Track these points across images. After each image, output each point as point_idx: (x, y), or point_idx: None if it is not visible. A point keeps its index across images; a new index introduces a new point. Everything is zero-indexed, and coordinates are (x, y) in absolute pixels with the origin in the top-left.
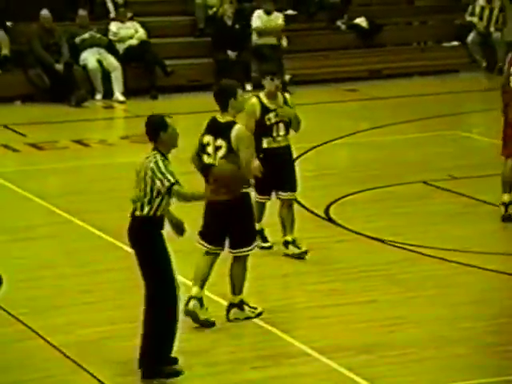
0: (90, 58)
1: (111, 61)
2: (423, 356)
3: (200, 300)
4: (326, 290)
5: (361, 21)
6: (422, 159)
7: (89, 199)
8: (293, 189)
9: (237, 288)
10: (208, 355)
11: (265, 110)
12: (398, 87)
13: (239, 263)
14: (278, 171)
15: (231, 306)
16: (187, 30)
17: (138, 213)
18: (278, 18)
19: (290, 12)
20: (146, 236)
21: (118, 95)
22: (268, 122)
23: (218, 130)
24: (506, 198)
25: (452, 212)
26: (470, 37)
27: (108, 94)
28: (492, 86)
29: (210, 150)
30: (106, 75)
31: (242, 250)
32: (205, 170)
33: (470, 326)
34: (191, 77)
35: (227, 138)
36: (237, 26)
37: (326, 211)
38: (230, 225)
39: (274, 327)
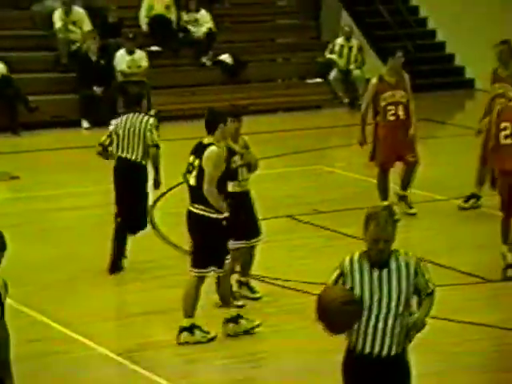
0: None
1: None
2: None
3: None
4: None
5: (225, 57)
6: (287, 194)
7: None
8: (260, 231)
9: (183, 310)
10: None
11: (230, 152)
12: (264, 123)
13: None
14: (247, 216)
15: (182, 329)
16: (50, 65)
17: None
18: (141, 59)
19: (154, 48)
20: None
21: None
22: (234, 165)
23: (198, 150)
24: None
25: (316, 245)
26: (332, 74)
27: None
28: (354, 121)
29: (190, 168)
30: None
31: (193, 269)
32: (189, 189)
33: (334, 359)
34: (55, 113)
35: (200, 158)
36: (102, 62)
37: None
38: None
39: (137, 365)
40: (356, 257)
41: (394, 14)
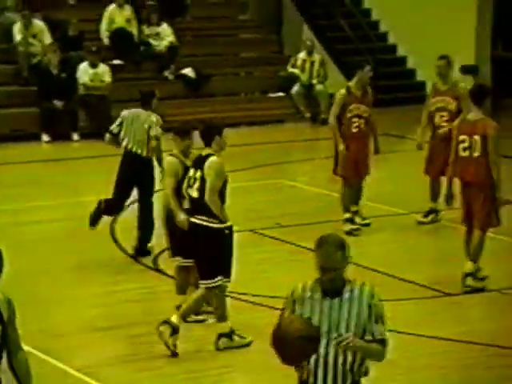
0: None
1: None
2: None
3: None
4: (152, 341)
5: (188, 71)
6: (249, 208)
7: None
8: None
9: (183, 309)
10: None
11: (186, 168)
12: (226, 137)
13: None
14: None
15: (167, 322)
16: (11, 78)
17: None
18: (105, 73)
19: (116, 62)
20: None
21: None
22: None
23: (197, 162)
24: None
25: (279, 259)
26: (294, 88)
27: None
28: (316, 136)
29: (191, 182)
30: None
31: (201, 282)
32: (190, 202)
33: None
34: (15, 126)
35: (202, 169)
36: (63, 75)
37: (155, 261)
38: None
39: (96, 381)
40: (308, 284)
41: (355, 28)
